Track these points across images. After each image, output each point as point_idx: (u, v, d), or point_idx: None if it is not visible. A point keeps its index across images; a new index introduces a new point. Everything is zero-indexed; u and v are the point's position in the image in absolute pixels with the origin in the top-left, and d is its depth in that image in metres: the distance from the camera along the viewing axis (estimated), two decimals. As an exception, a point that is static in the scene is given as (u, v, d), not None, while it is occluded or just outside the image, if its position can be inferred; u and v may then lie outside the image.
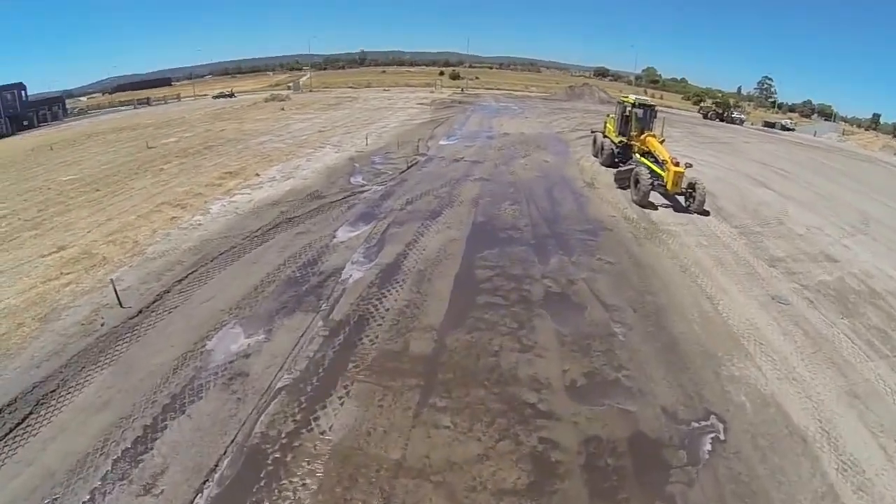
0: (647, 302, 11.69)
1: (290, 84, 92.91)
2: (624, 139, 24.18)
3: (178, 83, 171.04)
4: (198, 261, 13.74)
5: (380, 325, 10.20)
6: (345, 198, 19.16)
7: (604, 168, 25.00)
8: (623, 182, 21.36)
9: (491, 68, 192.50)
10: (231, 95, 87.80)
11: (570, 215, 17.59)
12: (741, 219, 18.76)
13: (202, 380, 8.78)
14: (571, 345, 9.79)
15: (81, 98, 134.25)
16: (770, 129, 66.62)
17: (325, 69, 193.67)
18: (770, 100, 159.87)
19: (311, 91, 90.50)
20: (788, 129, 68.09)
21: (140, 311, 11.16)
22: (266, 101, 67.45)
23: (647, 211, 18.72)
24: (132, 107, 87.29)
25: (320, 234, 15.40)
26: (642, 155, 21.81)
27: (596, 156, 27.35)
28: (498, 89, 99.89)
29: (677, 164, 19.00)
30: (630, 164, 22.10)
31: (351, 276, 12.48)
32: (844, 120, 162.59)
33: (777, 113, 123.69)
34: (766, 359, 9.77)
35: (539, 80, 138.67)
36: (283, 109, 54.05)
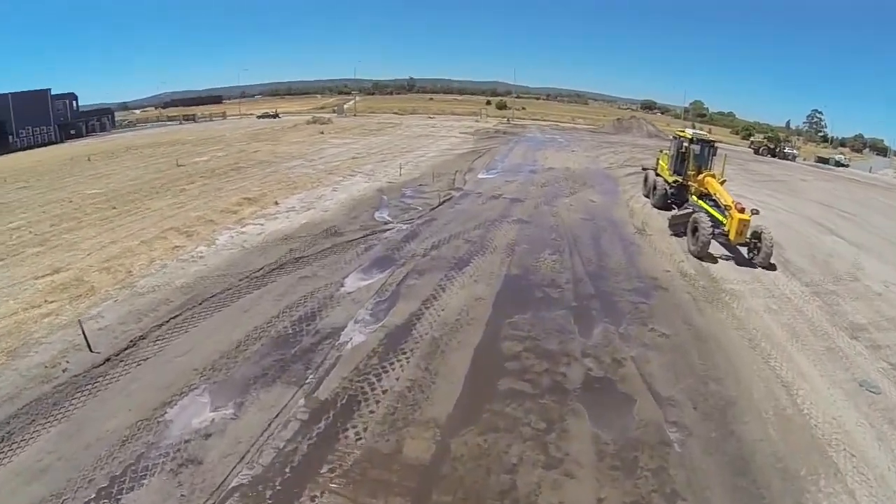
0: (710, 393, 9.38)
1: (335, 108, 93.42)
2: (679, 179, 21.95)
3: (228, 101, 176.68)
4: (186, 301, 12.22)
5: (372, 412, 8.23)
6: (364, 237, 17.44)
7: (656, 210, 22.77)
8: (678, 228, 19.07)
9: (538, 99, 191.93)
10: (275, 116, 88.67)
11: (618, 269, 15.32)
12: (811, 274, 16.32)
13: (149, 461, 7.24)
14: (612, 458, 7.59)
15: (136, 111, 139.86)
16: (824, 165, 64.17)
17: (372, 94, 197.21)
18: (820, 134, 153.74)
19: (355, 115, 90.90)
20: (843, 165, 65.72)
21: (108, 360, 9.82)
22: (307, 123, 67.58)
23: (705, 264, 16.33)
24: (178, 122, 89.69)
25: (327, 280, 13.62)
26: (699, 197, 19.57)
27: (647, 196, 25.11)
28: (544, 120, 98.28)
29: (742, 211, 16.56)
30: (686, 208, 19.77)
31: (351, 339, 10.60)
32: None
33: (828, 147, 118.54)
34: (860, 479, 7.47)
35: (586, 113, 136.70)
36: (321, 133, 53.60)
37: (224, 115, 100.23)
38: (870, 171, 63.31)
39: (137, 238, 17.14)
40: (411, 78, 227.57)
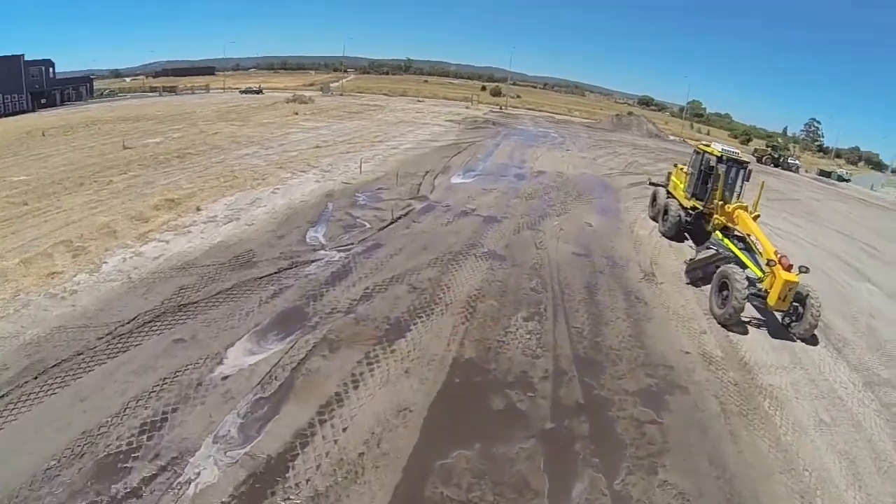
0: None
1: (322, 86, 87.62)
2: (699, 206, 17.29)
3: (221, 73, 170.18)
4: (21, 372, 8.24)
5: None
6: (280, 271, 12.66)
7: (666, 241, 18.20)
8: (696, 274, 14.50)
9: (535, 87, 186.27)
10: (259, 91, 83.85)
11: (619, 349, 10.64)
12: (858, 349, 12.37)
13: None
14: None
15: (127, 79, 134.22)
16: (826, 179, 61.87)
17: (368, 73, 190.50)
18: (816, 143, 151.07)
19: (341, 94, 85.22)
20: (845, 180, 64.12)
21: None
22: (287, 101, 62.12)
23: (733, 337, 11.79)
24: (157, 94, 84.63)
25: (205, 349, 9.14)
26: (723, 233, 14.90)
27: (655, 219, 20.56)
28: (539, 111, 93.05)
29: (789, 269, 11.98)
30: (708, 248, 15.13)
31: (197, 477, 6.23)
32: (891, 168, 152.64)
33: (825, 158, 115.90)
34: None
35: (582, 105, 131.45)
36: (296, 114, 48.45)
37: (207, 88, 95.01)
38: (871, 189, 61.53)
39: (21, 253, 12.71)
40: (408, 59, 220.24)
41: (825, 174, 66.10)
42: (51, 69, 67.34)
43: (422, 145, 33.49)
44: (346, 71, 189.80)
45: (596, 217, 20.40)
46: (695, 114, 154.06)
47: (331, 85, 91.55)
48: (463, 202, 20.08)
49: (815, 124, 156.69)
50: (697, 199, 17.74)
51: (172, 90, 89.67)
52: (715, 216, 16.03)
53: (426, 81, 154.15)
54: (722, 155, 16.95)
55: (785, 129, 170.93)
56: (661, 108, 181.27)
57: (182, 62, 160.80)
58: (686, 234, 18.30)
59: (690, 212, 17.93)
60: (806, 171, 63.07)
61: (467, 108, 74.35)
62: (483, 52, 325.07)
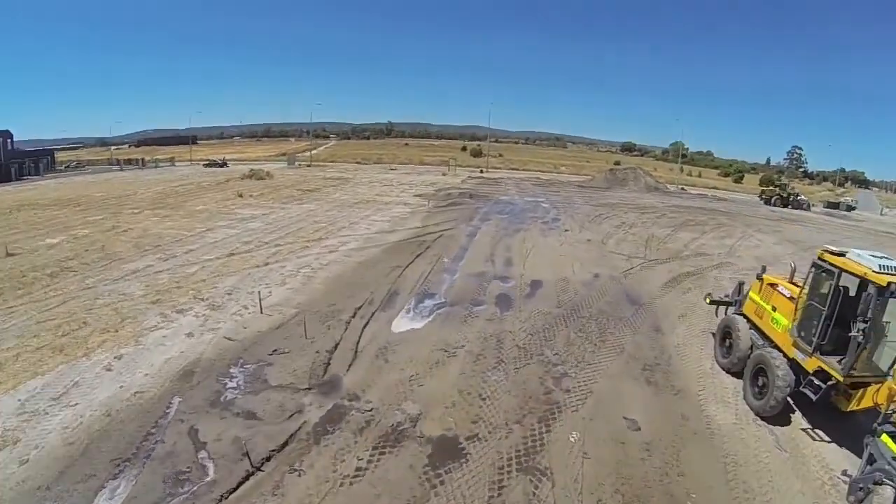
0: None
1: (288, 157, 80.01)
2: (836, 371, 9.10)
3: (204, 142, 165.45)
4: None
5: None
6: None
7: (766, 425, 9.09)
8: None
9: (516, 143, 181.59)
10: (223, 165, 76.57)
11: None
12: None
13: None
14: None
15: (112, 147, 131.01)
16: (836, 212, 57.20)
17: (349, 138, 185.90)
18: (801, 169, 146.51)
19: (309, 166, 77.34)
20: (852, 209, 60.68)
21: None
22: (242, 178, 53.82)
23: None
24: (119, 168, 78.00)
25: None
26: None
27: (724, 361, 12.19)
28: (523, 170, 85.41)
29: None
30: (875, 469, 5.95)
31: None
32: (874, 184, 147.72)
33: (808, 183, 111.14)
34: None
35: (568, 158, 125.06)
36: (239, 196, 39.90)
37: (172, 161, 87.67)
38: (881, 215, 59.34)
39: None
40: (389, 122, 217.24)
41: (833, 206, 61.21)
42: (9, 141, 63.11)
43: (373, 242, 24.45)
44: (327, 137, 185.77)
45: (639, 393, 10.96)
46: (678, 154, 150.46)
47: (296, 156, 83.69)
48: (401, 393, 10.64)
49: (798, 151, 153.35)
50: (826, 352, 9.30)
51: (138, 163, 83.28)
52: (872, 393, 8.14)
53: (406, 144, 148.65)
54: (889, 283, 8.04)
55: (768, 159, 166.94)
56: (644, 152, 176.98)
57: (168, 131, 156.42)
58: (800, 396, 9.36)
59: (815, 379, 9.38)
60: (813, 205, 57.44)
61: (444, 174, 66.28)
62: (463, 111, 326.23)
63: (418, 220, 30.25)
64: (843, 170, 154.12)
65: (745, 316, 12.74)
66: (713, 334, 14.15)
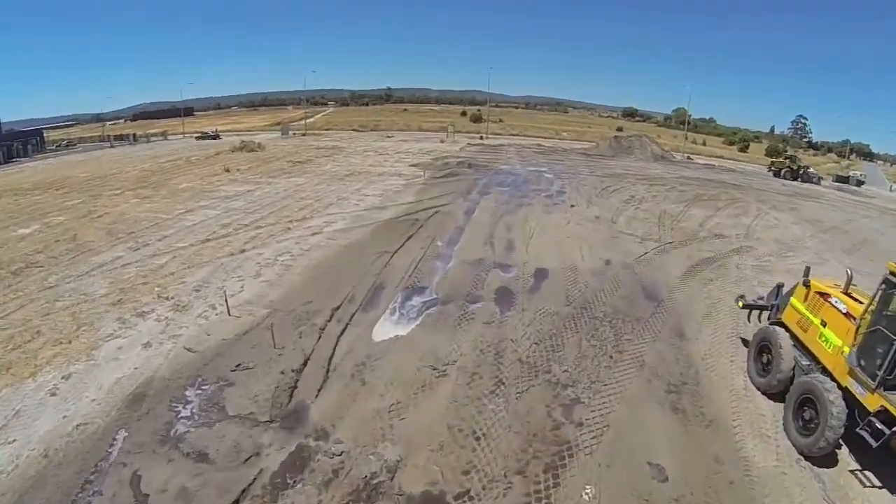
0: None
1: (282, 126, 76.91)
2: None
3: (201, 114, 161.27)
4: None
5: None
6: None
7: (811, 467, 7.86)
8: None
9: (517, 108, 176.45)
10: (215, 137, 73.87)
11: None
12: None
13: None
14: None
15: (108, 123, 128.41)
16: (847, 186, 54.75)
17: (347, 105, 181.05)
18: (805, 140, 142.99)
19: (303, 135, 74.33)
20: (862, 183, 58.23)
21: None
22: (231, 150, 51.24)
23: None
24: (109, 145, 75.24)
25: None
26: None
27: (766, 390, 10.13)
28: (524, 135, 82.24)
29: None
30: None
31: None
32: (878, 157, 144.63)
33: (812, 154, 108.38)
34: None
35: (569, 124, 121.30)
36: (226, 171, 37.67)
37: (165, 135, 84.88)
38: (891, 191, 57.54)
39: None
40: (389, 88, 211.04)
41: (843, 180, 58.68)
42: (-7, 123, 59.69)
43: (361, 221, 22.29)
44: (325, 104, 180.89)
45: (664, 425, 9.02)
46: (681, 121, 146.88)
47: (291, 125, 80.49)
48: (378, 430, 8.68)
49: (803, 121, 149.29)
50: (890, 386, 7.43)
51: (129, 139, 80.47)
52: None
53: (405, 110, 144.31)
54: None
55: (772, 128, 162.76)
56: (646, 118, 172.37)
57: (165, 103, 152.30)
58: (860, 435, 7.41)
59: (876, 420, 7.57)
60: (822, 179, 54.95)
61: (442, 141, 63.38)
62: (464, 75, 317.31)
63: (412, 195, 27.95)
64: (848, 141, 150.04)
65: (783, 325, 10.70)
66: (742, 340, 12.20)
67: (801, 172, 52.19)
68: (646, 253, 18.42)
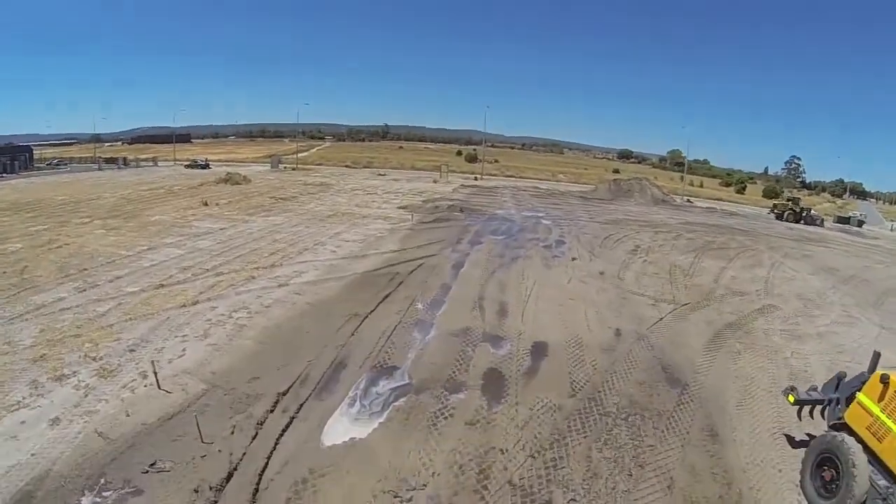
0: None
1: (272, 159, 75.25)
2: None
3: (198, 141, 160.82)
4: None
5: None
6: None
7: None
8: None
9: (512, 148, 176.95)
10: (205, 166, 72.03)
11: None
12: None
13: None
14: None
15: (106, 144, 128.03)
16: (848, 227, 53.84)
17: (344, 140, 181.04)
18: (799, 180, 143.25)
19: (294, 169, 72.48)
20: (862, 223, 57.61)
21: None
22: (217, 182, 49.17)
23: None
24: (97, 167, 73.53)
25: None
26: None
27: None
28: (520, 177, 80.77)
29: None
30: None
31: None
32: (871, 195, 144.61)
33: (807, 194, 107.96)
34: None
35: (565, 165, 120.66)
36: (204, 204, 35.42)
37: (155, 161, 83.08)
38: (892, 231, 56.81)
39: None
40: (385, 125, 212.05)
41: (844, 220, 57.75)
42: (-18, 139, 59.15)
43: (335, 273, 19.70)
44: (322, 138, 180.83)
45: None
46: (676, 163, 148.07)
47: (282, 159, 78.76)
48: None
49: (796, 161, 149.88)
50: None
51: (118, 162, 78.88)
52: None
53: (401, 148, 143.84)
54: None
55: (766, 168, 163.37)
56: (641, 159, 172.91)
57: (163, 128, 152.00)
58: None
59: None
60: (824, 221, 53.94)
61: (435, 181, 61.50)
62: (460, 115, 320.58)
63: (396, 242, 25.47)
64: (842, 181, 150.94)
65: (848, 428, 8.14)
66: (787, 438, 9.63)
67: (803, 215, 51.13)
68: (661, 318, 15.83)
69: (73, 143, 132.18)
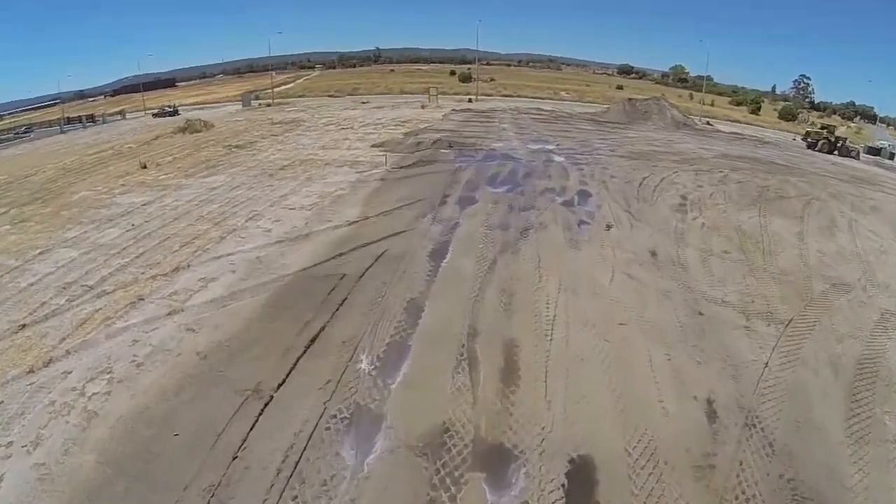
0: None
1: (243, 97, 66.17)
2: None
3: (184, 84, 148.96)
4: None
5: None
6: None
7: None
8: None
9: (509, 65, 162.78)
10: (174, 113, 63.54)
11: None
12: None
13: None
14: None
15: (90, 99, 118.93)
16: (881, 160, 46.67)
17: (333, 68, 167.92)
18: (807, 100, 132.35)
19: (269, 104, 63.67)
20: (894, 155, 49.78)
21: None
22: (174, 132, 41.52)
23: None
24: (58, 128, 64.19)
25: None
26: None
27: None
28: (518, 96, 71.38)
29: None
30: None
31: None
32: (881, 120, 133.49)
33: (818, 116, 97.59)
34: None
35: (565, 82, 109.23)
36: (143, 167, 27.99)
37: (122, 115, 73.77)
38: None
39: None
40: (377, 49, 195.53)
41: (874, 151, 50.38)
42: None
43: (255, 278, 13.10)
44: (312, 68, 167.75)
45: None
46: (679, 79, 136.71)
47: (255, 94, 69.49)
48: None
49: (805, 80, 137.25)
50: None
51: (85, 120, 68.82)
52: None
53: (392, 71, 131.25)
54: None
55: (773, 87, 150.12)
56: (641, 75, 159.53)
57: (150, 75, 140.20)
58: None
59: None
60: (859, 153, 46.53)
61: (423, 106, 52.79)
62: (454, 33, 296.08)
63: (357, 204, 18.44)
64: (853, 103, 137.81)
65: None
66: None
67: (838, 145, 44.27)
68: (766, 365, 9.18)
69: (58, 102, 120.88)
